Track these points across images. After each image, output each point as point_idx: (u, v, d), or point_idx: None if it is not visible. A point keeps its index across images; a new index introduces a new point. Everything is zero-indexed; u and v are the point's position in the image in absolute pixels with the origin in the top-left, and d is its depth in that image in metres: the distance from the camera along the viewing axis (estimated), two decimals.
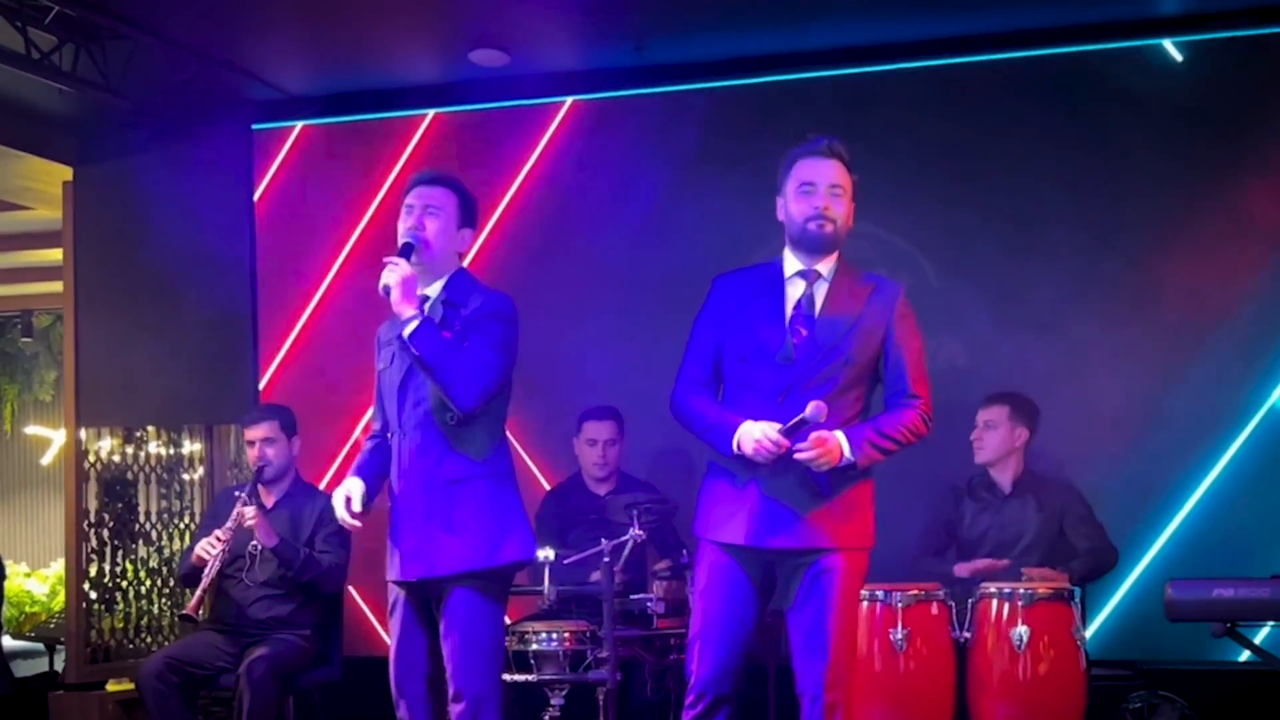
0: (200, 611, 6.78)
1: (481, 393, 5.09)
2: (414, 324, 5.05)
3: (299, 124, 8.76)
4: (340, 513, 5.27)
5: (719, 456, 5.05)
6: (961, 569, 6.69)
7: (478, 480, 5.18)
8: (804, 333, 5.00)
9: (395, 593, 5.34)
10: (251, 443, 7.20)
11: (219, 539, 6.76)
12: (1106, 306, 7.57)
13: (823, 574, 4.94)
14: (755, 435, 4.85)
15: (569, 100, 8.34)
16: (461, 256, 5.43)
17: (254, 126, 8.78)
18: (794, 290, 5.08)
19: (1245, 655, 6.74)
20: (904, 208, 7.78)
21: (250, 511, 6.81)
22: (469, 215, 5.40)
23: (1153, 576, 7.28)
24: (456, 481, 5.16)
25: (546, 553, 6.17)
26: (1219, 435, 7.39)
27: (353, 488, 5.28)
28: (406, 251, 5.18)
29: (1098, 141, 7.63)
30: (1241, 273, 7.42)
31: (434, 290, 5.29)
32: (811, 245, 5.07)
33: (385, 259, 5.13)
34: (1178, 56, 7.51)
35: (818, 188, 5.06)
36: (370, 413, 5.65)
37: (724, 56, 8.00)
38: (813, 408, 4.75)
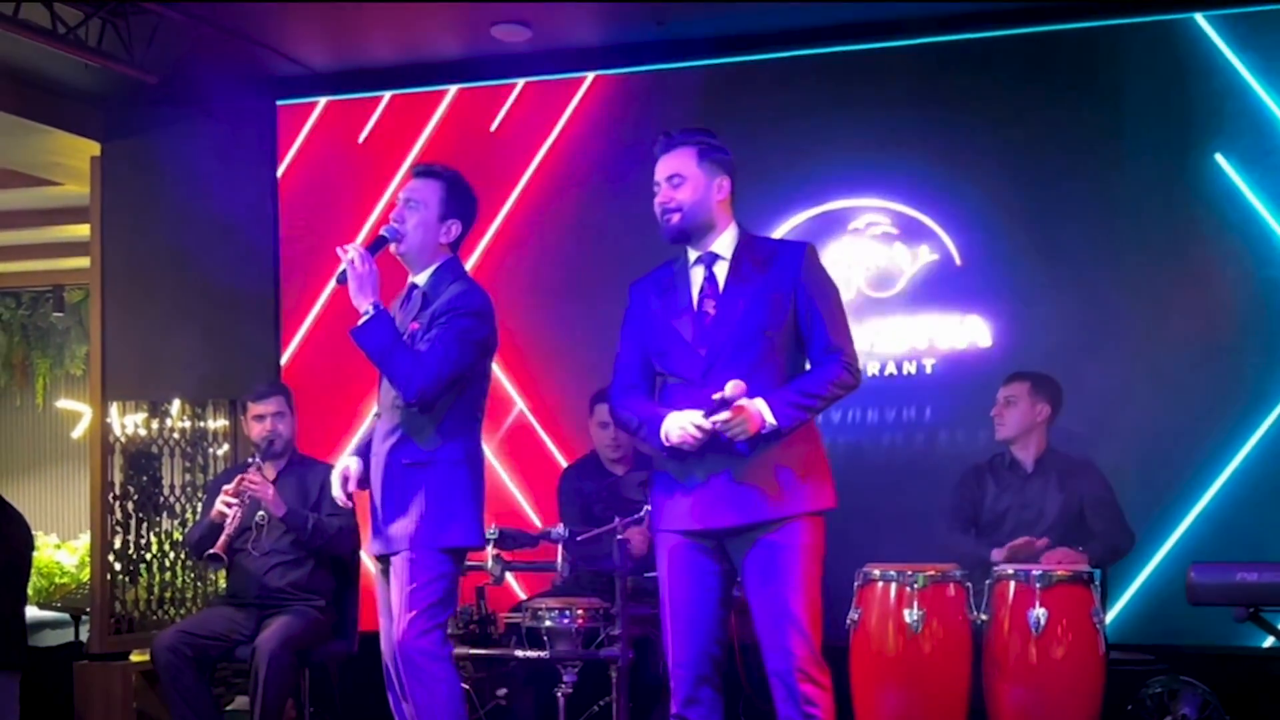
0: (226, 552, 6.79)
1: (421, 389, 5.21)
2: (364, 318, 5.22)
3: (323, 99, 8.78)
4: (336, 490, 5.47)
5: (658, 456, 5.13)
6: (998, 554, 6.65)
7: (429, 466, 5.31)
8: (711, 313, 5.07)
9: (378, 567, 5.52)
10: (261, 417, 7.21)
11: (233, 492, 6.81)
12: (1133, 287, 7.53)
13: (775, 550, 4.96)
14: (681, 424, 4.93)
15: (591, 76, 8.34)
16: (451, 247, 5.52)
17: (278, 102, 8.82)
18: (697, 276, 5.17)
19: (1268, 641, 6.69)
20: (927, 185, 7.80)
21: (259, 479, 6.87)
22: (456, 206, 5.49)
23: (1175, 560, 7.24)
24: (411, 465, 5.32)
25: (560, 530, 6.21)
26: (1245, 418, 7.35)
27: (350, 465, 5.48)
28: (378, 243, 5.34)
29: (1127, 117, 7.59)
30: (1270, 254, 7.37)
31: (422, 280, 5.45)
32: (671, 238, 5.19)
33: (348, 247, 5.28)
34: (1210, 30, 7.45)
35: (659, 185, 5.17)
36: None
37: (746, 31, 7.99)
38: (732, 386, 4.81)
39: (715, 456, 4.96)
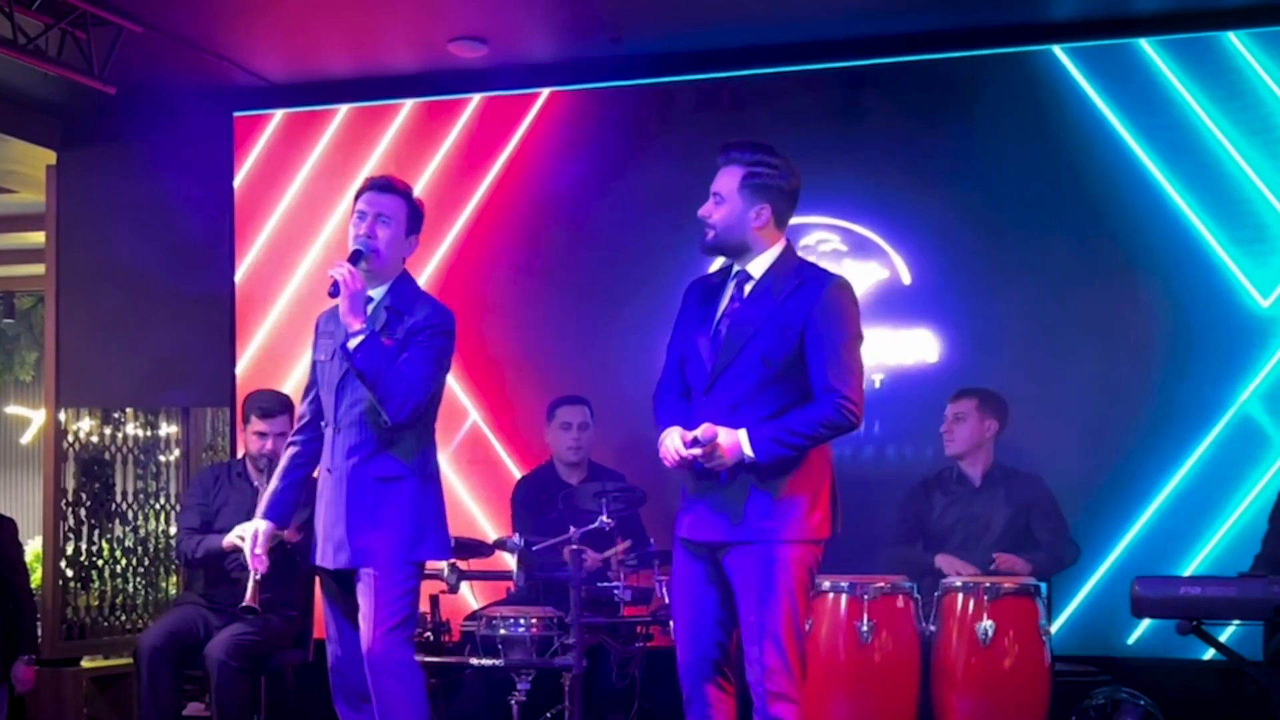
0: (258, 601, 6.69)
1: (414, 409, 5.31)
2: (359, 339, 5.24)
3: (279, 111, 8.80)
4: (246, 553, 5.63)
5: None
6: (943, 561, 6.73)
7: (405, 480, 5.40)
8: (723, 332, 5.14)
9: (324, 580, 5.60)
10: (264, 434, 7.11)
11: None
12: (1078, 304, 7.63)
13: (758, 567, 5.03)
14: (666, 444, 5.06)
15: (546, 91, 8.39)
16: (405, 262, 5.59)
17: (235, 113, 8.82)
18: (728, 291, 5.23)
19: (1209, 653, 6.78)
20: (876, 204, 7.90)
21: None
22: (416, 223, 5.57)
23: (1119, 573, 7.35)
24: (385, 480, 5.39)
25: (516, 539, 6.27)
26: (1188, 434, 7.47)
27: (258, 529, 5.60)
28: (356, 258, 5.35)
29: (1072, 138, 7.69)
30: (1212, 274, 7.49)
31: (378, 294, 5.47)
32: (703, 252, 5.30)
33: (335, 265, 5.31)
34: (1155, 57, 7.59)
35: (709, 196, 5.22)
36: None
37: (701, 49, 8.05)
38: (702, 430, 4.94)
39: (706, 474, 5.07)
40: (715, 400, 5.07)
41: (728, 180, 5.18)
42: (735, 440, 4.96)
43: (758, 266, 5.18)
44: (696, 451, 4.96)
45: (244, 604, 6.49)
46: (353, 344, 5.23)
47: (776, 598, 5.01)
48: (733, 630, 5.17)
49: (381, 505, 5.37)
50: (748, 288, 5.17)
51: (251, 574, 6.50)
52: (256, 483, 7.07)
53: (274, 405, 7.21)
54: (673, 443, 5.02)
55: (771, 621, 5.00)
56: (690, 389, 5.22)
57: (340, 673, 5.57)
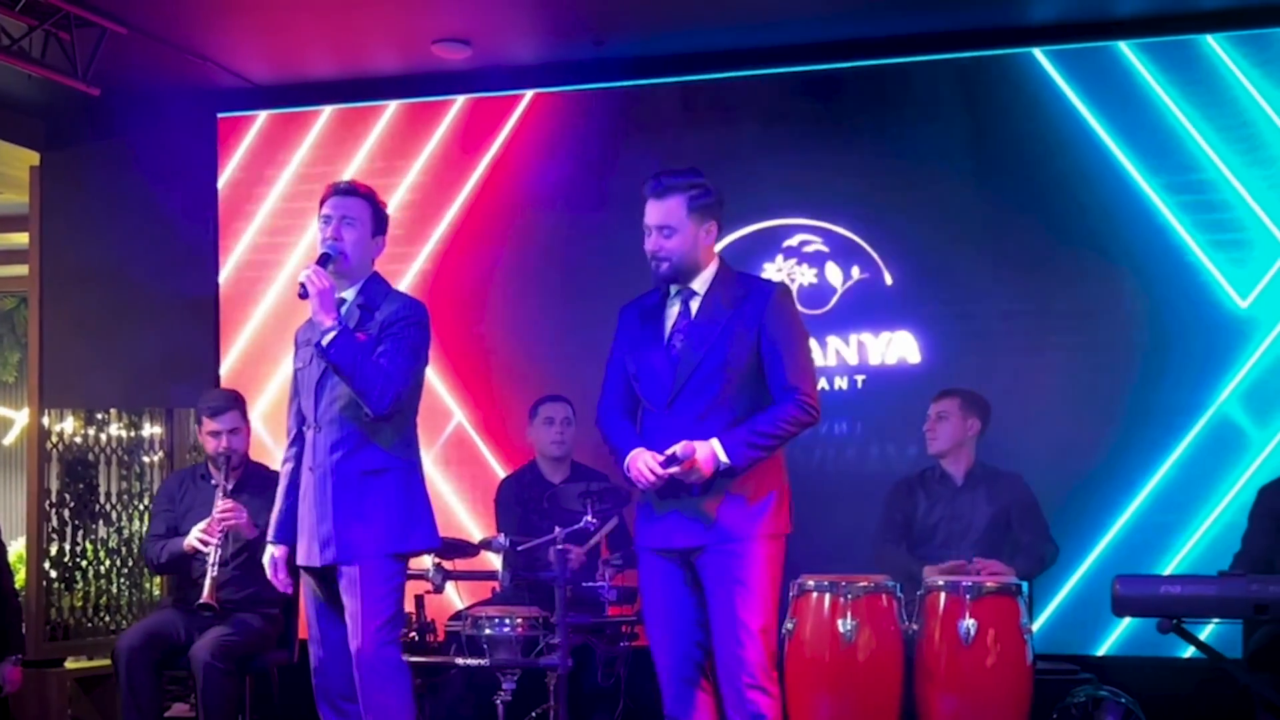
0: (215, 599, 6.68)
1: (394, 398, 5.38)
2: (332, 334, 5.30)
3: (263, 113, 8.81)
4: (270, 577, 5.74)
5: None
6: (931, 571, 6.76)
7: (390, 472, 5.48)
8: (678, 347, 5.31)
9: (306, 580, 5.65)
10: (217, 433, 7.12)
11: (212, 532, 6.76)
12: (1059, 304, 7.69)
13: (724, 569, 5.21)
14: (638, 464, 5.21)
15: (529, 93, 8.42)
16: (374, 263, 5.67)
17: (219, 114, 8.83)
18: (673, 309, 5.41)
19: (1189, 651, 6.81)
20: (859, 206, 7.93)
21: (231, 508, 6.84)
22: (381, 225, 5.69)
23: (1099, 572, 7.40)
24: (370, 473, 5.46)
25: (501, 539, 6.30)
26: (1167, 433, 7.52)
27: (274, 555, 5.71)
28: (324, 261, 5.45)
29: (1052, 140, 7.73)
30: (1191, 274, 7.54)
31: (349, 295, 5.56)
32: (660, 282, 5.40)
33: (305, 269, 5.39)
34: (1134, 59, 7.63)
35: (650, 231, 5.35)
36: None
37: (683, 52, 8.09)
38: (681, 448, 5.12)
39: (677, 488, 5.22)
40: (680, 412, 5.26)
41: (673, 210, 5.32)
42: (710, 451, 5.14)
43: (700, 283, 5.38)
44: (675, 469, 5.12)
45: (201, 600, 6.57)
46: (326, 339, 5.29)
47: (752, 593, 5.20)
48: (709, 630, 5.30)
49: (367, 499, 5.43)
50: (694, 304, 5.37)
51: (209, 570, 6.59)
52: (215, 481, 7.07)
53: (222, 403, 7.23)
54: (645, 464, 5.18)
55: (748, 616, 5.18)
56: (644, 405, 5.40)
57: (323, 674, 5.61)
